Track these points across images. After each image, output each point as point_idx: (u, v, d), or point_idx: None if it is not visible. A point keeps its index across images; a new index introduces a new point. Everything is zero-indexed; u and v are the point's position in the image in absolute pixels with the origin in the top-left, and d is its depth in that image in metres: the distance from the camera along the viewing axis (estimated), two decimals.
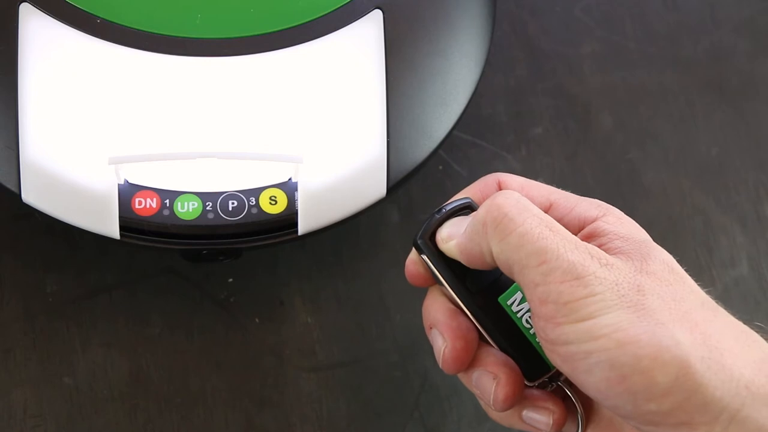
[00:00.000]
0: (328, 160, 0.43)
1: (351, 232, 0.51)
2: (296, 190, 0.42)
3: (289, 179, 0.42)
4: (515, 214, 0.34)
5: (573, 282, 0.32)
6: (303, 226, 0.42)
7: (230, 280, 0.50)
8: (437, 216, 0.38)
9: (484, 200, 0.36)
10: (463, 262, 0.36)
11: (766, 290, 0.53)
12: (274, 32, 0.43)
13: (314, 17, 0.44)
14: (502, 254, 0.34)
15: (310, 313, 0.49)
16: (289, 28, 0.43)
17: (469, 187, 0.40)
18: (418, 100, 0.45)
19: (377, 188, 0.43)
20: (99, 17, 0.43)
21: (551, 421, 0.37)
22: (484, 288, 0.37)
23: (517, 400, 0.37)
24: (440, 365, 0.38)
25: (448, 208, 0.38)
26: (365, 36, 0.44)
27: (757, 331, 0.34)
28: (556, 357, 0.33)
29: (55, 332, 0.48)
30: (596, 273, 0.32)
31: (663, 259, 0.34)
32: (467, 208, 0.38)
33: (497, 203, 0.34)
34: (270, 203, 0.42)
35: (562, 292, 0.32)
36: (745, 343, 0.32)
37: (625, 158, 0.55)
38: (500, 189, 0.40)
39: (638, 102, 0.57)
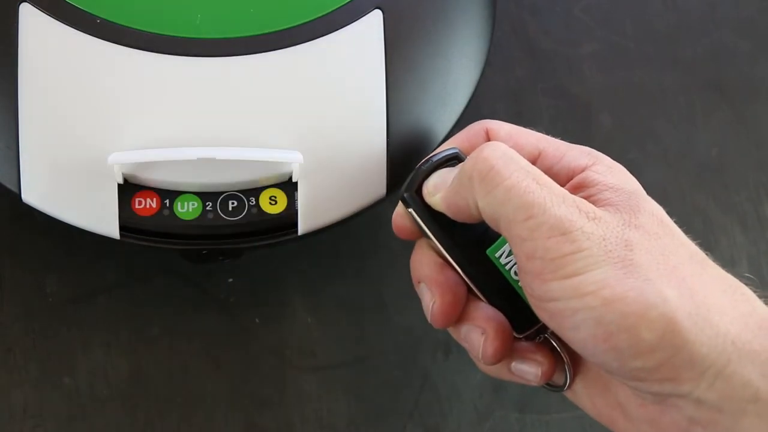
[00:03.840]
0: (328, 160, 0.43)
1: (351, 232, 0.51)
2: (296, 190, 0.42)
3: (289, 179, 0.42)
4: (502, 166, 0.33)
5: (560, 238, 0.31)
6: (303, 226, 0.42)
7: (230, 280, 0.50)
8: (423, 168, 0.37)
9: (471, 150, 0.36)
10: (449, 215, 0.36)
11: (766, 290, 0.53)
12: (274, 32, 0.43)
13: (314, 17, 0.44)
14: (488, 208, 0.33)
15: (310, 313, 0.49)
16: (289, 28, 0.43)
17: (455, 135, 0.40)
18: (418, 100, 0.44)
19: (377, 188, 0.43)
20: (99, 17, 0.43)
21: (540, 373, 0.37)
22: (471, 241, 0.36)
23: (506, 353, 0.36)
24: (429, 320, 0.37)
25: (435, 159, 0.37)
26: (365, 36, 0.44)
27: (745, 284, 0.33)
28: (542, 313, 0.33)
29: (55, 332, 0.48)
30: (583, 228, 0.31)
31: (652, 211, 0.34)
32: (454, 159, 0.37)
33: (484, 156, 0.33)
34: (270, 203, 0.42)
35: (548, 248, 0.31)
36: (732, 297, 0.32)
37: (625, 158, 0.55)
38: (488, 137, 0.39)
39: (638, 102, 0.57)
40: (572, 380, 0.37)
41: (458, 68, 0.46)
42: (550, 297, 0.32)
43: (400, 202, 0.38)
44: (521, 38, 0.57)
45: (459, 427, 0.48)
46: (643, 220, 0.33)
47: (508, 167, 0.33)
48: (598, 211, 0.33)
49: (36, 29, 0.42)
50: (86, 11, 0.43)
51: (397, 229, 0.39)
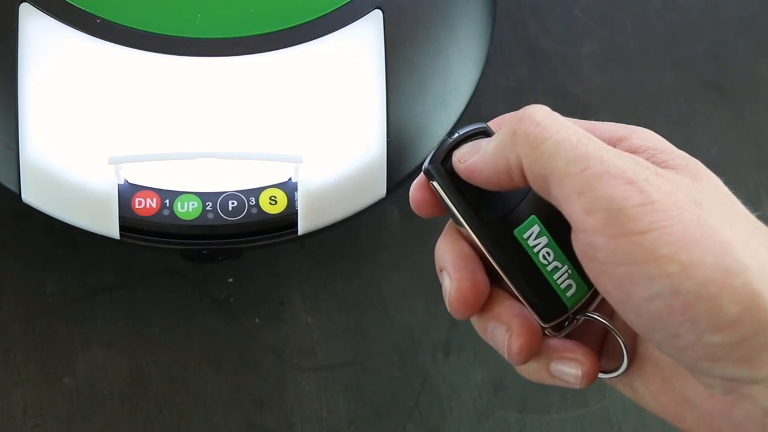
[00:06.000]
0: (328, 160, 0.43)
1: (351, 232, 0.51)
2: (296, 190, 0.42)
3: (289, 179, 0.42)
4: (549, 123, 0.31)
5: (626, 186, 0.28)
6: (303, 226, 0.42)
7: (230, 280, 0.50)
8: (450, 140, 0.35)
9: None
10: (482, 182, 0.33)
11: None
12: (274, 32, 0.43)
13: (314, 17, 0.44)
14: (536, 164, 0.30)
15: (310, 313, 0.49)
16: (289, 28, 0.43)
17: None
18: (418, 100, 0.44)
19: (377, 188, 0.43)
20: (99, 17, 0.43)
21: (580, 374, 0.33)
22: (498, 219, 0.34)
23: (533, 351, 0.33)
24: (447, 308, 0.35)
25: (462, 132, 0.35)
26: (365, 36, 0.44)
27: None
28: (606, 281, 0.29)
29: (55, 332, 0.48)
30: (649, 179, 0.29)
31: (712, 180, 0.31)
32: (482, 134, 0.35)
33: (529, 113, 0.31)
34: (270, 203, 0.42)
35: (613, 197, 0.28)
36: None
37: None
38: None
39: (638, 102, 0.57)
40: (630, 361, 0.34)
41: (458, 68, 0.46)
42: (619, 259, 0.28)
43: (422, 175, 0.35)
44: (521, 38, 0.57)
45: (459, 427, 0.48)
46: (705, 186, 0.30)
47: (555, 124, 0.31)
48: (659, 169, 0.30)
49: (36, 29, 0.42)
50: (86, 11, 0.43)
51: (415, 204, 0.36)
